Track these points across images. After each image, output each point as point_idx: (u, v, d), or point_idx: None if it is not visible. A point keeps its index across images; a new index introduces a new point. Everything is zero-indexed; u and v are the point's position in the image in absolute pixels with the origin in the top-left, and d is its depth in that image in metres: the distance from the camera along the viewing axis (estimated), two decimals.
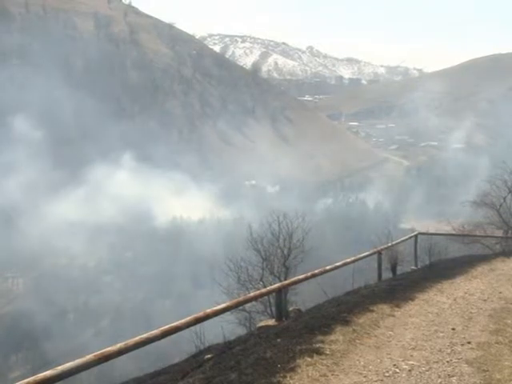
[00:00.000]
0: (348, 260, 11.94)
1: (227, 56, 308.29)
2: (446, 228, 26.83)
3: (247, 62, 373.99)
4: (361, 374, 6.07)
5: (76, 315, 79.47)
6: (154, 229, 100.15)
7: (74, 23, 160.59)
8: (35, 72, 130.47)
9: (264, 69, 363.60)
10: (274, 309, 10.95)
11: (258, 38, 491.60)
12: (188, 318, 6.71)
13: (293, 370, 5.96)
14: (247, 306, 11.44)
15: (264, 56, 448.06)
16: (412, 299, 9.60)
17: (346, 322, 7.83)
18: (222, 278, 14.17)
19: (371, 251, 13.53)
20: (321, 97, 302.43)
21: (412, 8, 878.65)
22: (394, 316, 8.48)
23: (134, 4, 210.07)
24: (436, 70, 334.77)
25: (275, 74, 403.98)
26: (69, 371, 4.98)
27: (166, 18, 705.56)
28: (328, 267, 10.77)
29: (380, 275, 13.50)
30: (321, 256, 17.79)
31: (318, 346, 6.76)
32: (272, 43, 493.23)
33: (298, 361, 6.21)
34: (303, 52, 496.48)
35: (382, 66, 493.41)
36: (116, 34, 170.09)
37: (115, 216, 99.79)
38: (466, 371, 6.23)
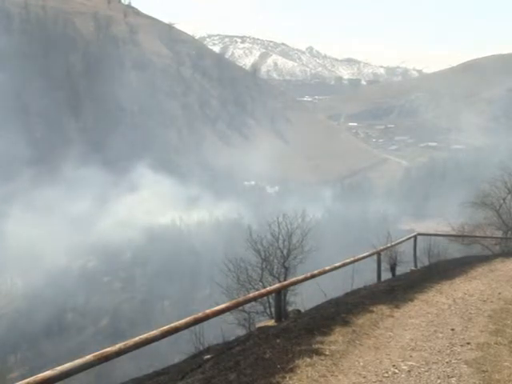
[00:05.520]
0: (347, 260, 11.94)
1: (227, 56, 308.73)
2: (445, 229, 26.84)
3: (247, 62, 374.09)
4: (360, 374, 6.07)
5: (75, 315, 79.46)
6: (152, 230, 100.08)
7: (73, 24, 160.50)
8: (34, 72, 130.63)
9: (263, 69, 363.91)
10: (273, 309, 10.96)
11: (258, 39, 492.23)
12: (187, 319, 6.70)
13: (292, 370, 5.96)
14: (246, 306, 11.44)
15: (263, 56, 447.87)
16: (411, 300, 9.60)
17: (345, 323, 7.83)
18: (221, 279, 14.17)
19: (370, 252, 13.54)
20: (320, 97, 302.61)
21: (412, 8, 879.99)
22: (393, 317, 8.48)
23: (133, 4, 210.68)
24: (435, 70, 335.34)
25: (275, 75, 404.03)
26: (68, 371, 4.98)
27: (165, 18, 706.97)
28: (327, 268, 10.77)
29: (379, 276, 13.51)
30: (320, 257, 17.79)
31: (317, 346, 6.76)
32: (271, 44, 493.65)
33: (297, 361, 6.21)
34: (303, 52, 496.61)
35: (381, 67, 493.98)
36: (116, 34, 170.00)
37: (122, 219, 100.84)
38: (466, 372, 6.23)
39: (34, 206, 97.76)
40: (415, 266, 15.99)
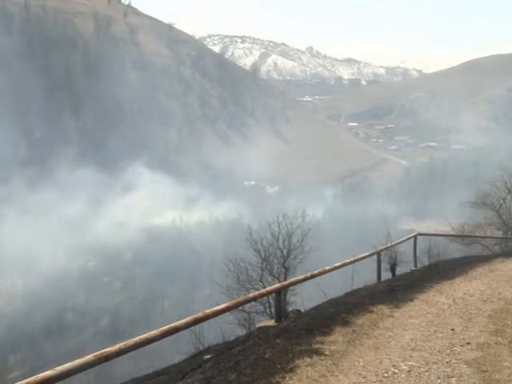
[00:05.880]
0: (347, 260, 11.94)
1: (227, 56, 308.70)
2: (445, 229, 26.84)
3: (247, 62, 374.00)
4: (360, 374, 6.07)
5: (75, 315, 79.44)
6: (152, 230, 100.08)
7: (73, 24, 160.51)
8: (34, 73, 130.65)
9: (263, 69, 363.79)
10: (273, 309, 10.96)
11: (258, 39, 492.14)
12: (187, 319, 6.70)
13: (292, 370, 5.96)
14: (246, 306, 11.44)
15: (263, 56, 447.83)
16: (411, 300, 9.61)
17: (345, 323, 7.83)
18: (221, 279, 14.17)
19: (370, 252, 13.54)
20: (320, 97, 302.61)
21: (412, 8, 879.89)
22: (393, 317, 8.48)
23: (133, 4, 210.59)
24: (435, 70, 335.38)
25: (275, 75, 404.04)
26: (68, 371, 4.98)
27: (165, 18, 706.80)
28: (327, 268, 10.77)
29: (379, 276, 13.51)
30: (320, 257, 17.80)
31: (317, 346, 6.76)
32: (271, 44, 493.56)
33: (297, 361, 6.20)
34: (303, 52, 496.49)
35: (381, 67, 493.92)
36: (115, 34, 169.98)
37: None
38: (466, 372, 6.23)
39: (32, 207, 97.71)
40: (415, 266, 16.00)
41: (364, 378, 5.99)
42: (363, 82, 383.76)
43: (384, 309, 8.83)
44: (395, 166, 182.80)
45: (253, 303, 11.56)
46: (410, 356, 6.74)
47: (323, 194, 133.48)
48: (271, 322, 9.64)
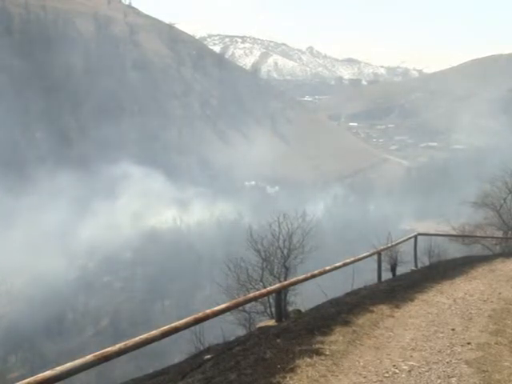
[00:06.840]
0: (347, 260, 11.92)
1: (227, 56, 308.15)
2: (446, 229, 26.82)
3: (247, 62, 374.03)
4: (360, 374, 6.07)
5: (75, 316, 79.43)
6: (153, 230, 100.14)
7: (73, 24, 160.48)
8: (34, 72, 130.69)
9: (264, 69, 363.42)
10: (273, 309, 10.95)
11: (258, 39, 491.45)
12: (187, 319, 6.69)
13: (292, 370, 5.95)
14: (247, 306, 11.42)
15: (264, 56, 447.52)
16: (412, 300, 9.60)
17: (345, 323, 7.82)
18: (221, 279, 14.15)
19: (371, 252, 13.52)
20: (321, 97, 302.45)
21: (412, 8, 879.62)
22: (393, 317, 8.47)
23: (133, 4, 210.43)
24: (435, 70, 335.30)
25: (275, 75, 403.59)
26: (68, 371, 4.97)
27: (165, 18, 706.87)
28: (327, 268, 10.75)
29: (380, 276, 13.49)
30: (320, 257, 17.79)
31: (317, 346, 6.76)
32: (272, 44, 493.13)
33: (297, 361, 6.20)
34: (303, 52, 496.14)
35: (382, 67, 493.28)
36: (116, 34, 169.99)
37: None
38: (466, 372, 6.22)
39: (28, 208, 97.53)
40: (415, 266, 15.98)
41: (364, 377, 5.98)
42: (363, 82, 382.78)
43: (384, 309, 8.83)
44: (395, 165, 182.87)
45: (253, 303, 11.54)
46: (411, 356, 6.73)
47: (323, 193, 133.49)
48: (271, 322, 9.64)
